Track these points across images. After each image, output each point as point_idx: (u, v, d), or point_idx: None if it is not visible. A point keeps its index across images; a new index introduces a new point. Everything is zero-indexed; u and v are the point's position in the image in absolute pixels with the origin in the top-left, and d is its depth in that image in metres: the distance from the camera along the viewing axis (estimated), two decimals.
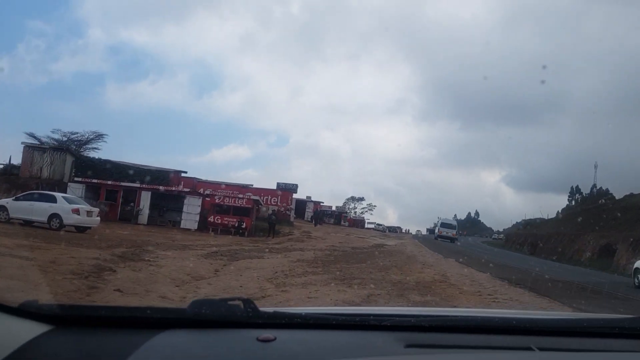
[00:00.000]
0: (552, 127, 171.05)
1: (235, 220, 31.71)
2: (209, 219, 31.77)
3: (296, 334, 1.66)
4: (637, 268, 19.30)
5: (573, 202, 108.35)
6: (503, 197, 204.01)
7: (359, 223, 77.38)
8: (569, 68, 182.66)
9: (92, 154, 42.50)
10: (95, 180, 32.09)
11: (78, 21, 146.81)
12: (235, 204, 32.13)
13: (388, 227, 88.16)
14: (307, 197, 59.31)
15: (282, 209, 41.66)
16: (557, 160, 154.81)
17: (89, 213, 23.10)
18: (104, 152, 45.72)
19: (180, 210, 32.27)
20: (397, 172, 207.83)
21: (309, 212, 58.16)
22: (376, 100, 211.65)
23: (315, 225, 42.38)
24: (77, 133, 44.67)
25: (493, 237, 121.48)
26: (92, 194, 32.39)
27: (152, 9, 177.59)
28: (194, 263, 14.29)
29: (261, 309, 1.69)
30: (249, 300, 1.68)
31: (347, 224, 71.05)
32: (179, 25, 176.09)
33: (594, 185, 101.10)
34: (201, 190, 34.98)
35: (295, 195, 54.33)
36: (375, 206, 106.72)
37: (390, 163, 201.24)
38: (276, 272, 13.50)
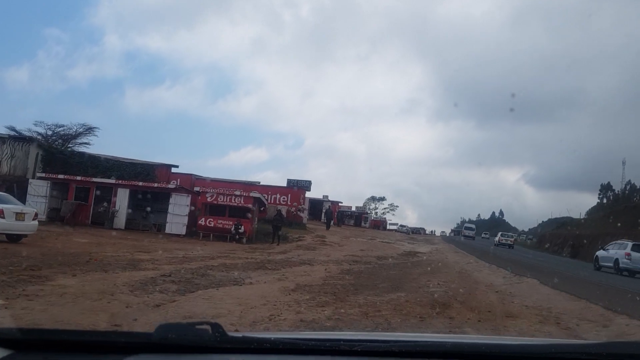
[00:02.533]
0: (569, 124, 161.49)
1: (231, 223, 24.80)
2: (199, 222, 24.93)
3: None
4: None
5: (604, 200, 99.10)
6: (525, 195, 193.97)
7: (380, 224, 69.98)
8: (584, 64, 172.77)
9: (84, 150, 36.30)
10: (62, 176, 25.52)
11: (93, 28, 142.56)
12: (231, 203, 25.22)
13: (411, 229, 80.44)
14: (323, 196, 52.27)
15: (293, 209, 34.67)
16: (577, 158, 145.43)
17: (19, 216, 16.44)
18: (95, 147, 39.54)
19: (167, 212, 25.52)
20: (415, 172, 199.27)
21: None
22: (390, 101, 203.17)
23: (328, 227, 34.85)
24: (64, 126, 38.55)
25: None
26: (60, 192, 25.94)
27: (163, 16, 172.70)
28: (86, 305, 7.37)
29: (230, 333, 1.61)
30: (217, 325, 1.60)
31: (367, 225, 63.80)
32: (191, 31, 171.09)
33: (628, 182, 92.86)
34: (199, 189, 28.04)
35: (310, 195, 47.41)
36: (397, 206, 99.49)
37: (407, 163, 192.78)
38: (236, 330, 6.41)
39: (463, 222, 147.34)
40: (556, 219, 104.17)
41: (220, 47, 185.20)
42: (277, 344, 1.65)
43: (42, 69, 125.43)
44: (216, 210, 25.40)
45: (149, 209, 24.98)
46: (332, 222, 48.37)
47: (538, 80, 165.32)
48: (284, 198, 35.07)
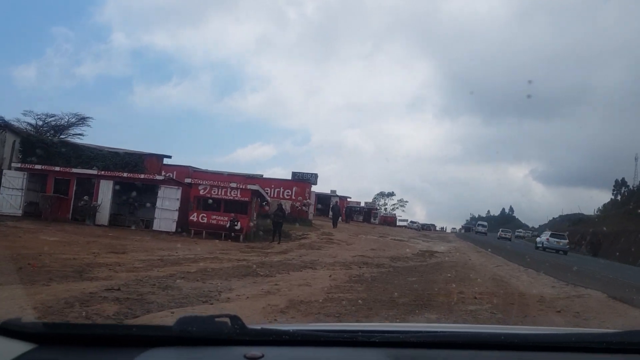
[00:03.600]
0: (576, 120, 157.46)
1: (226, 218, 21.86)
2: (191, 218, 22.01)
3: (284, 351, 1.60)
4: None
5: (619, 197, 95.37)
6: (533, 192, 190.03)
7: (390, 221, 66.78)
8: (590, 61, 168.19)
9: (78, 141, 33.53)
10: (39, 167, 22.71)
11: (99, 27, 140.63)
12: (226, 197, 22.26)
13: (422, 225, 77.11)
14: (331, 191, 49.25)
15: (298, 204, 31.66)
16: (585, 154, 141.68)
17: None
18: (89, 138, 36.87)
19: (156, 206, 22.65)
20: (423, 168, 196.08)
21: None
22: (397, 98, 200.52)
23: (335, 225, 31.69)
24: (55, 116, 35.83)
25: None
26: (37, 185, 23.17)
27: (169, 14, 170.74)
28: None
29: (249, 325, 1.60)
30: (236, 317, 1.59)
31: (377, 221, 60.65)
32: (197, 30, 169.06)
33: None
34: (190, 180, 24.94)
35: (317, 190, 44.39)
36: (407, 202, 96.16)
37: (415, 160, 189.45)
38: None
39: (473, 218, 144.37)
40: (568, 215, 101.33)
41: (226, 45, 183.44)
42: (295, 336, 1.64)
43: (49, 66, 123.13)
44: (210, 204, 22.47)
45: (147, 203, 22.13)
46: (340, 218, 45.37)
47: (544, 76, 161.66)
48: (287, 192, 32.06)
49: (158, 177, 22.45)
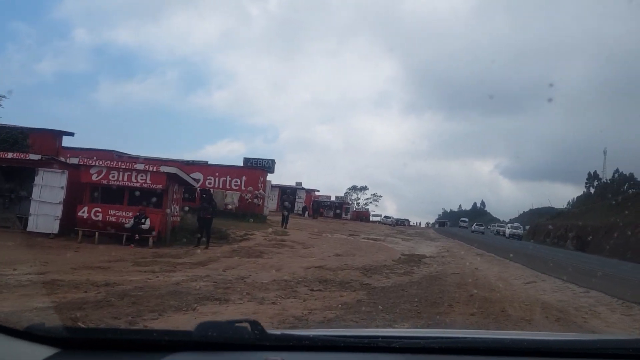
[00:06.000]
0: (539, 115, 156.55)
1: (131, 214, 15.07)
2: (80, 214, 15.11)
3: (304, 357, 1.57)
4: None
5: (592, 190, 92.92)
6: (500, 186, 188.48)
7: (364, 216, 60.68)
8: (552, 56, 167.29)
9: None
10: None
11: (59, 22, 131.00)
12: (131, 183, 15.47)
13: (396, 220, 71.19)
14: (296, 183, 42.69)
15: (249, 195, 24.96)
16: (549, 149, 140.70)
17: None
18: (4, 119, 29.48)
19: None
20: (392, 163, 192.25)
21: (299, 202, 41.40)
22: (365, 94, 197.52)
23: (283, 224, 23.82)
24: None
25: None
26: None
27: (130, 10, 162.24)
28: None
29: (269, 331, 1.55)
30: (256, 322, 1.54)
31: (349, 217, 54.48)
32: (160, 26, 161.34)
33: (616, 170, 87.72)
34: (78, 160, 17.63)
35: (281, 182, 37.92)
36: (380, 196, 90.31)
37: (383, 155, 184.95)
38: None
39: (445, 213, 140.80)
40: (538, 209, 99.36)
41: (190, 41, 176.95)
42: (315, 341, 1.59)
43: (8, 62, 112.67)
44: (109, 195, 15.67)
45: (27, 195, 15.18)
46: (307, 213, 38.82)
47: (507, 71, 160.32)
48: (236, 181, 25.31)
49: (33, 157, 15.42)
